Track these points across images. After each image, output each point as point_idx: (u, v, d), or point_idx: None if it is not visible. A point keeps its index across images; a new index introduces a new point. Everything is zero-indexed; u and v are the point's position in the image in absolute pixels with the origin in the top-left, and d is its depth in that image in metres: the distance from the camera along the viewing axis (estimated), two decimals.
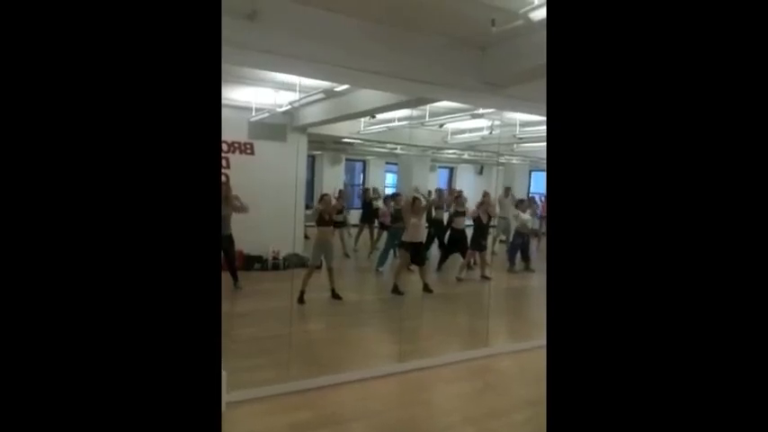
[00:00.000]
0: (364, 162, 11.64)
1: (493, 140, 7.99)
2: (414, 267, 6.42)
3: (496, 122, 7.21)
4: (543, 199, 9.53)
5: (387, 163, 11.65)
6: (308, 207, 7.77)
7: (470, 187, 10.41)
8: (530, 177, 11.59)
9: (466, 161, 11.50)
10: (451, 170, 12.57)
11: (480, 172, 12.46)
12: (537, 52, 3.12)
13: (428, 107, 6.14)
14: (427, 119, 6.49)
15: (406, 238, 6.20)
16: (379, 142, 8.65)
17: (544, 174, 10.08)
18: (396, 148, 9.32)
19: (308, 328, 5.01)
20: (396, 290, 6.14)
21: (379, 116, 6.71)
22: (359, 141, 8.46)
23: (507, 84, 3.94)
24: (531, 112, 4.92)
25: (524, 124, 7.09)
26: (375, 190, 8.98)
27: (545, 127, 5.44)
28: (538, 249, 8.99)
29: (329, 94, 5.07)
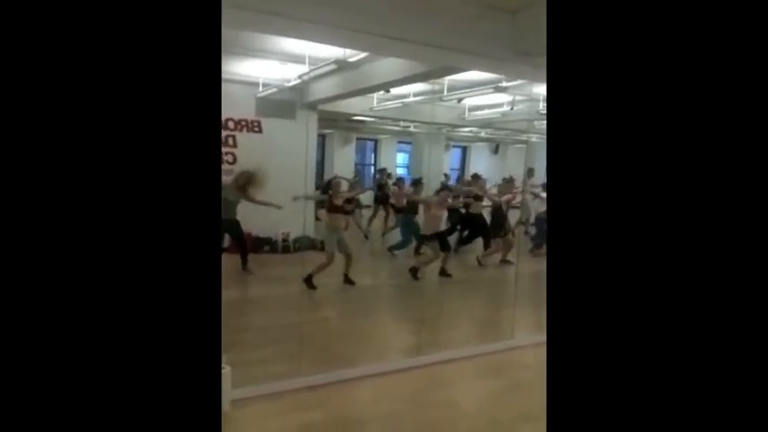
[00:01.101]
0: (376, 141, 11.27)
1: (516, 116, 7.56)
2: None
3: (519, 97, 6.77)
4: None
5: (399, 142, 11.26)
6: (318, 188, 7.51)
7: (484, 167, 10.02)
8: None
9: (482, 139, 11.06)
10: (464, 149, 12.10)
11: (495, 151, 11.99)
12: None
13: (446, 80, 5.73)
14: (445, 93, 6.07)
15: (426, 231, 5.88)
16: (393, 120, 8.28)
17: None
18: (409, 126, 8.94)
19: (320, 316, 4.74)
20: (414, 272, 5.85)
21: (394, 91, 6.34)
22: (371, 119, 8.10)
23: (540, 52, 3.54)
24: None
25: None
26: (387, 173, 8.80)
27: None
28: None
29: (341, 65, 4.68)
